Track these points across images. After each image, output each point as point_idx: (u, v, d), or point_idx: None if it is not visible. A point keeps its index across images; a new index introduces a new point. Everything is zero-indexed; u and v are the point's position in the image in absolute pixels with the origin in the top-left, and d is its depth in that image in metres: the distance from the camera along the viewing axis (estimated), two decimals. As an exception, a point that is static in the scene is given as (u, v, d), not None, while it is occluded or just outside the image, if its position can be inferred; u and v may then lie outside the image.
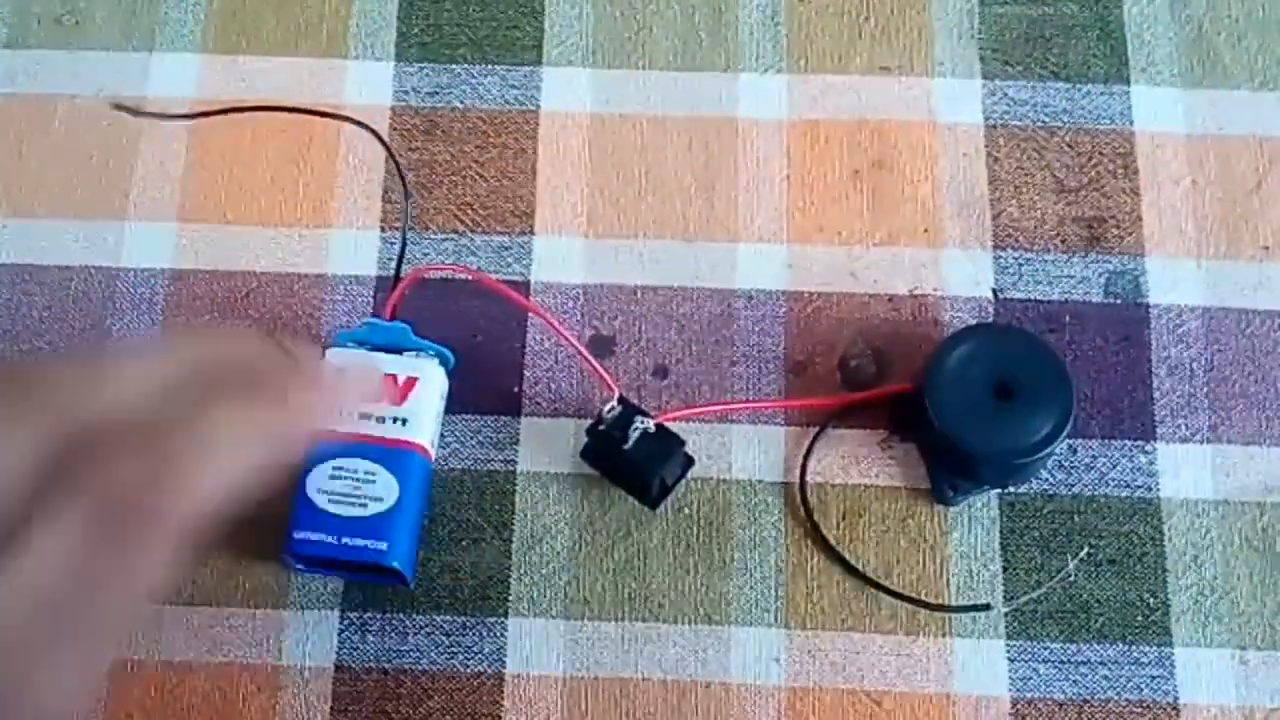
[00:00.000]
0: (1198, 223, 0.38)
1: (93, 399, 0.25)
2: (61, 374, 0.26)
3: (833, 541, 0.35)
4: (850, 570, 0.34)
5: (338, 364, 0.32)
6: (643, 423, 0.33)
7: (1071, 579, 0.34)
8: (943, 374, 0.34)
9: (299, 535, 0.32)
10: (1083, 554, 0.35)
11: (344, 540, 0.32)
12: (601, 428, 0.33)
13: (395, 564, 0.32)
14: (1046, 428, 0.33)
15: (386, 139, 0.38)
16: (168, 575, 0.24)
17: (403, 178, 0.38)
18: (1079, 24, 0.40)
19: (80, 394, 0.25)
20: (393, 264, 0.37)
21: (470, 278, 0.37)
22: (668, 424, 0.34)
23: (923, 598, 0.34)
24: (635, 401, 0.35)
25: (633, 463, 0.33)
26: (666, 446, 0.33)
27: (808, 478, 0.35)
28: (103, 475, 0.23)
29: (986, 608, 0.34)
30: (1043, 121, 0.39)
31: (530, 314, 0.37)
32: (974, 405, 0.33)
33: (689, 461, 0.35)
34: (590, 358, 0.34)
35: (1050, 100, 0.39)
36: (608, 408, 0.33)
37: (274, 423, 0.27)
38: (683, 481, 0.35)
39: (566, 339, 0.34)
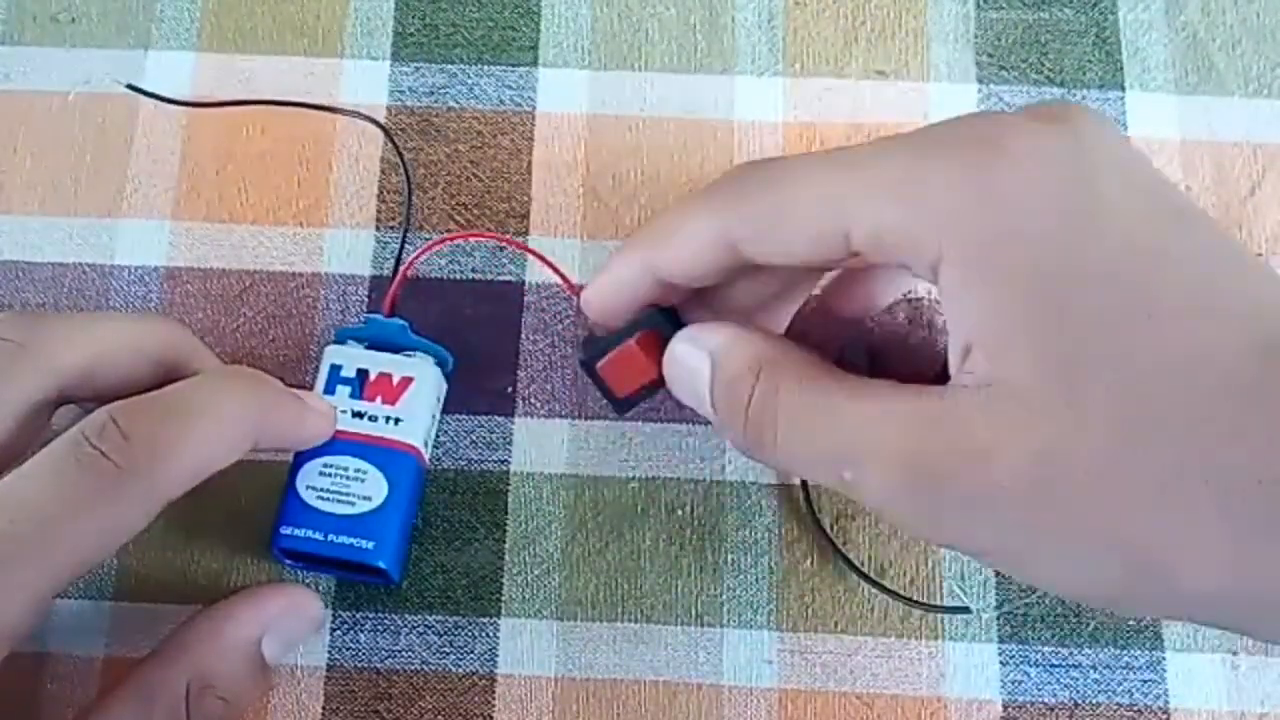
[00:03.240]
0: (1191, 228, 0.38)
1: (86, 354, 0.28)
2: (56, 328, 0.28)
3: (832, 541, 0.35)
4: (851, 567, 0.34)
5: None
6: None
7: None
8: None
9: (285, 530, 0.32)
10: None
11: (330, 537, 0.32)
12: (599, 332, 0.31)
13: (381, 563, 0.32)
14: None
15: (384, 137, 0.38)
16: (133, 532, 0.26)
17: (405, 167, 0.38)
18: (1074, 30, 0.40)
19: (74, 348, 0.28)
20: (387, 263, 0.37)
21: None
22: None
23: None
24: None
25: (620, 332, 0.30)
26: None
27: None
28: (104, 425, 0.26)
29: (965, 610, 0.34)
30: (1038, 126, 0.39)
31: (524, 311, 0.37)
32: None
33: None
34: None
35: (1045, 105, 0.39)
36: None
37: (270, 402, 0.29)
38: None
39: (572, 288, 0.33)
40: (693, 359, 0.28)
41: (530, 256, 0.37)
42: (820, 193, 0.25)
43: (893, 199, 0.24)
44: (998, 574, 0.34)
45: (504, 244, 0.37)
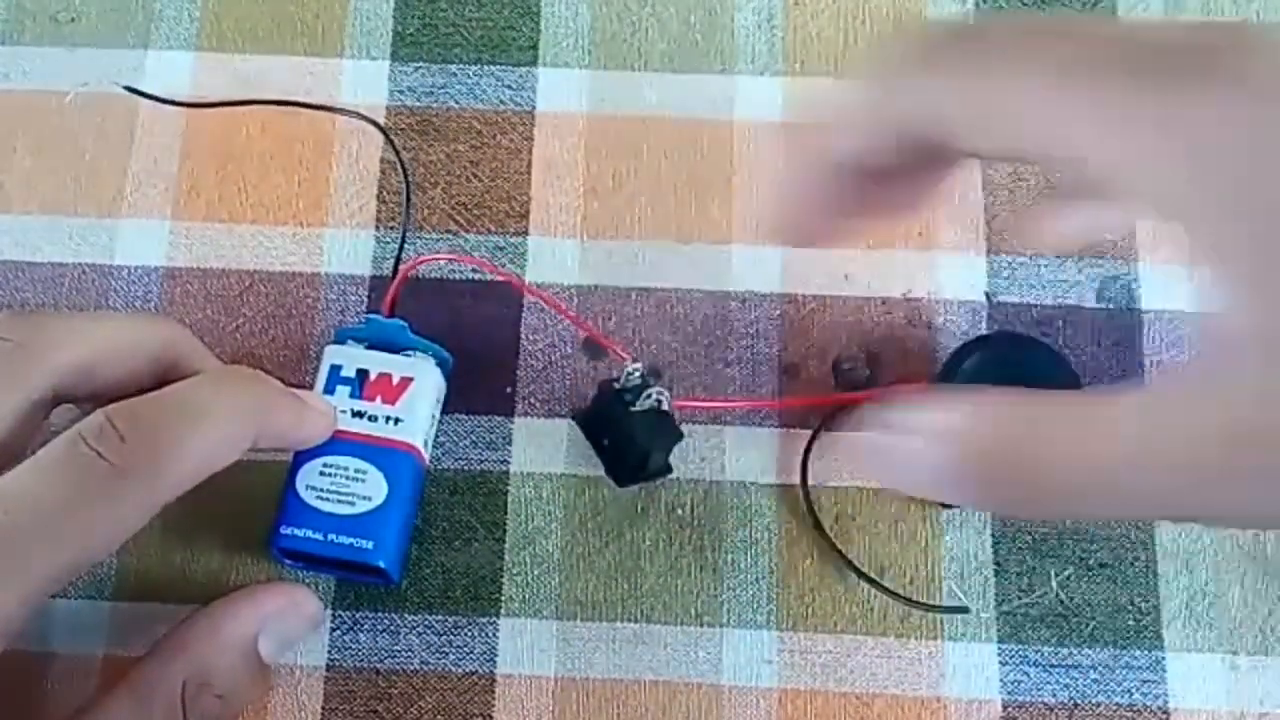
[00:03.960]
0: (1191, 228, 0.38)
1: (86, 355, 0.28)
2: (57, 327, 0.28)
3: (831, 541, 0.35)
4: (850, 566, 0.34)
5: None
6: (661, 395, 0.33)
7: (1055, 594, 0.34)
8: (959, 379, 0.33)
9: (285, 530, 0.32)
10: (1066, 573, 0.35)
11: (330, 537, 0.32)
12: (616, 385, 0.33)
13: (381, 563, 0.32)
14: None
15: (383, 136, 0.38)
16: (130, 532, 0.26)
17: (403, 167, 0.38)
18: (1074, 29, 0.40)
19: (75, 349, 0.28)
20: (387, 263, 0.37)
21: (472, 267, 0.36)
22: (677, 413, 0.33)
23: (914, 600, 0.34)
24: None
25: (630, 429, 0.32)
26: (666, 431, 0.33)
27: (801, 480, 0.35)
28: (102, 426, 0.25)
29: (964, 610, 0.34)
30: (1037, 126, 0.39)
31: (524, 311, 0.37)
32: None
33: (668, 468, 0.34)
34: (599, 335, 0.34)
35: (1045, 105, 0.39)
36: (630, 367, 0.33)
37: (269, 402, 0.29)
38: (661, 482, 0.35)
39: (574, 320, 0.34)
40: (909, 445, 0.26)
41: (529, 257, 0.37)
42: (1055, 114, 0.22)
43: (1143, 142, 0.22)
44: (997, 574, 0.34)
45: (511, 283, 0.36)
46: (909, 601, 0.34)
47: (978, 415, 0.25)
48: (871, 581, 0.34)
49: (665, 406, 0.33)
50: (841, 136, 0.25)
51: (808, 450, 0.35)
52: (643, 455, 0.33)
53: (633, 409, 0.33)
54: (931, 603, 0.34)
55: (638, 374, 0.33)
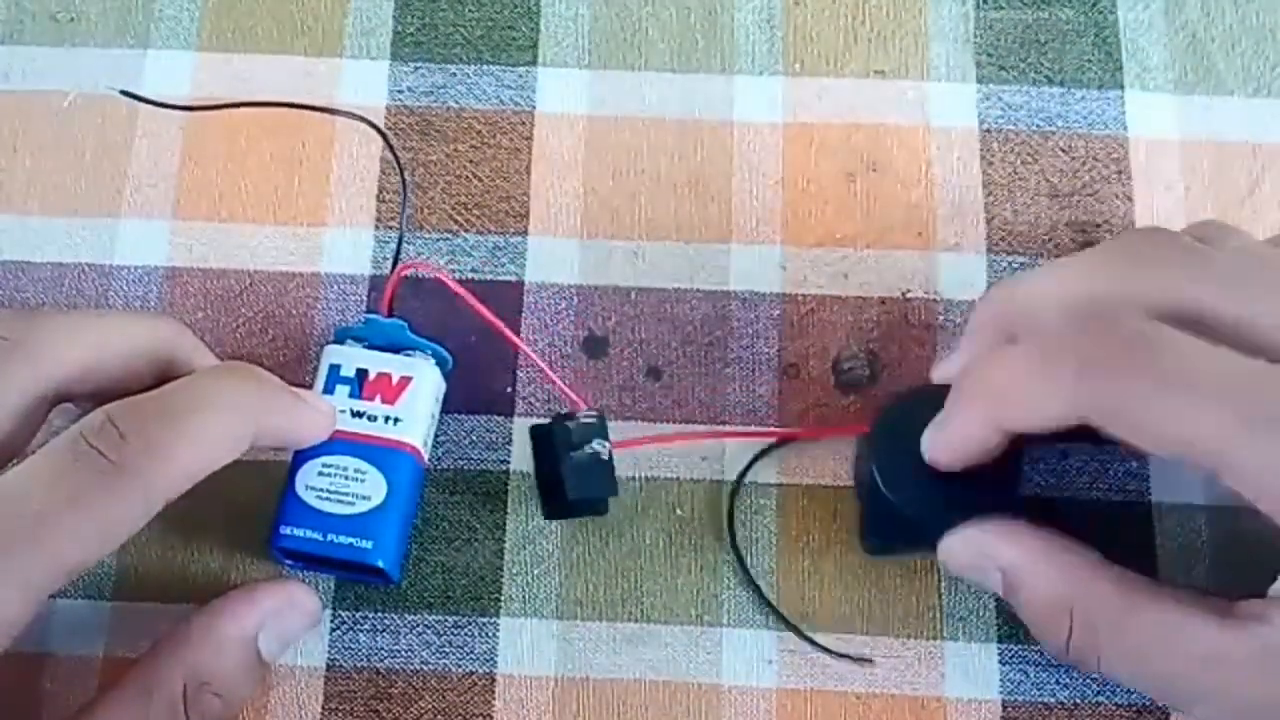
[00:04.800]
0: (1191, 228, 0.38)
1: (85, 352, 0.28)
2: (57, 325, 0.28)
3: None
4: (769, 606, 0.34)
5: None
6: (602, 446, 0.32)
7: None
8: (887, 436, 0.32)
9: (284, 530, 0.32)
10: None
11: (329, 537, 0.32)
12: (569, 424, 0.33)
13: (380, 563, 0.32)
14: (991, 503, 0.31)
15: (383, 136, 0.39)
16: (132, 530, 0.26)
17: (400, 167, 0.38)
18: (1074, 30, 0.40)
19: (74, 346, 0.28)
20: (386, 263, 0.37)
21: (452, 289, 0.35)
22: (619, 453, 0.33)
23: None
24: (628, 403, 0.35)
25: (561, 473, 0.32)
26: (602, 480, 0.33)
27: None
28: (102, 425, 0.26)
29: (868, 661, 0.34)
30: (1037, 126, 0.39)
31: (524, 311, 0.37)
32: (918, 471, 0.31)
33: (603, 509, 0.34)
34: (560, 382, 0.34)
35: (1045, 105, 0.39)
36: (585, 412, 0.33)
37: (268, 400, 0.29)
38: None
39: (533, 358, 0.34)
40: (981, 564, 0.30)
41: (529, 257, 0.37)
42: (1200, 432, 0.25)
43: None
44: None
45: (497, 331, 0.34)
46: (815, 645, 0.34)
47: (1030, 581, 0.30)
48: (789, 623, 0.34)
49: (605, 457, 0.32)
50: (1019, 413, 0.28)
51: (734, 496, 0.35)
52: (568, 503, 0.33)
53: (572, 454, 0.32)
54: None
55: (590, 421, 0.33)
